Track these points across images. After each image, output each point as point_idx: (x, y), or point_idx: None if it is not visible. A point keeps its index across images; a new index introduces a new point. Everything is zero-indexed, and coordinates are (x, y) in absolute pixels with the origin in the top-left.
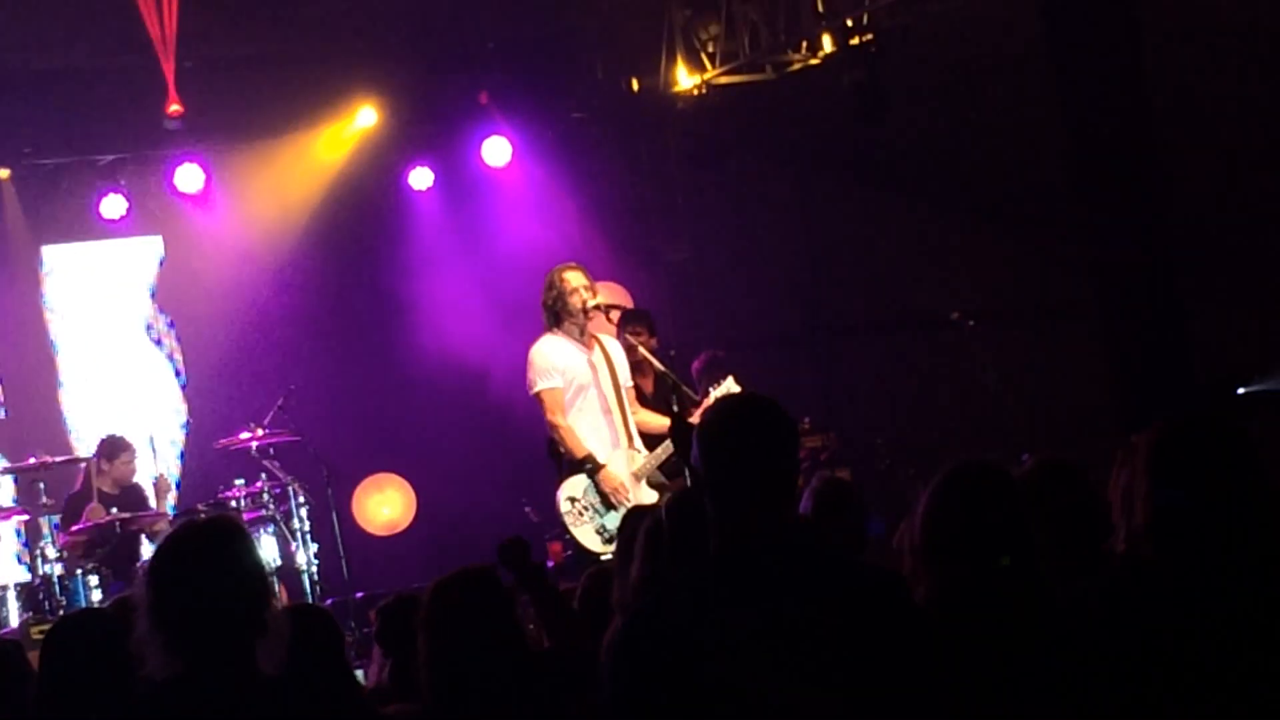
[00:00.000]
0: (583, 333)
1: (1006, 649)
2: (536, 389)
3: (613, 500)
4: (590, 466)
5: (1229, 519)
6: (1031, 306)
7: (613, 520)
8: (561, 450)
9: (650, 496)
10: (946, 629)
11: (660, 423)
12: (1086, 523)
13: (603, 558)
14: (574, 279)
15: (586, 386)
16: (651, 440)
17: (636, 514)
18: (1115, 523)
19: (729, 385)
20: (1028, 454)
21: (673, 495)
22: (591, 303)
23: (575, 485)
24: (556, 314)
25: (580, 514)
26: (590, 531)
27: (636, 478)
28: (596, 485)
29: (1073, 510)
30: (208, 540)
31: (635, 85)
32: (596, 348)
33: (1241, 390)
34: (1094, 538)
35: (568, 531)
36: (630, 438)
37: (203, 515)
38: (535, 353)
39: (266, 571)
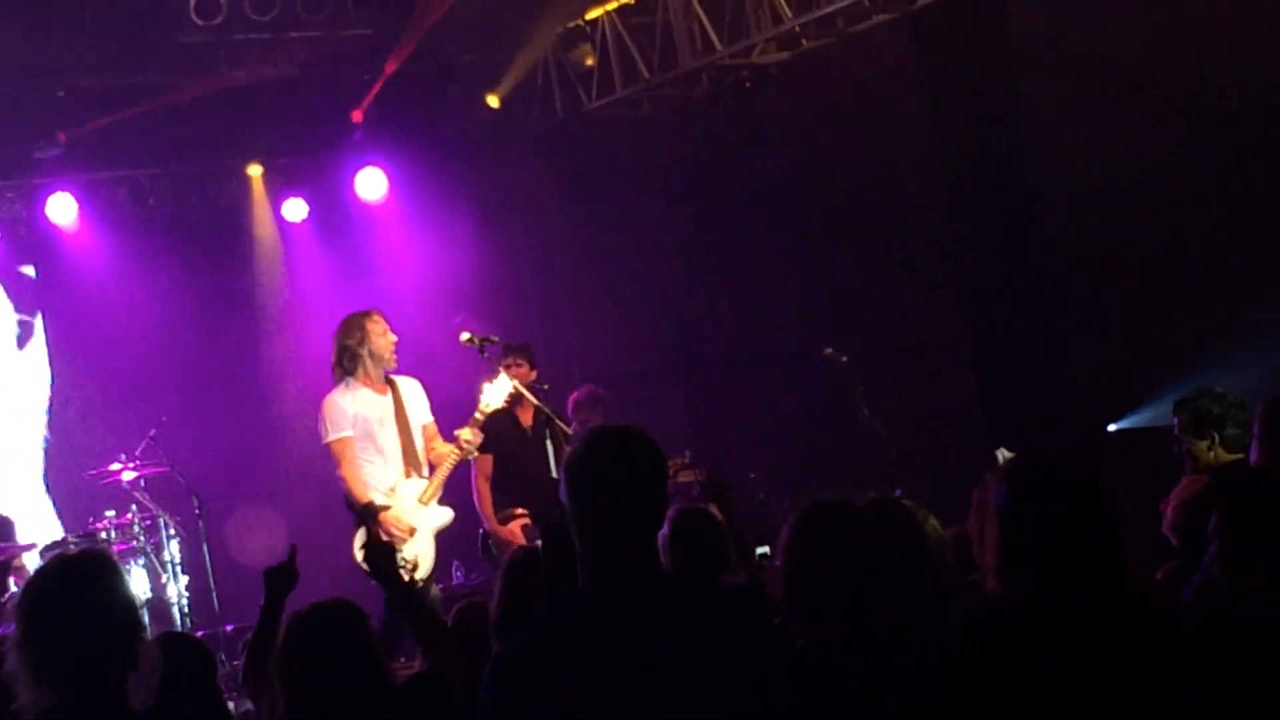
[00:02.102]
0: (377, 377)
1: (881, 685)
2: (326, 440)
3: (394, 539)
4: (371, 514)
5: (1077, 557)
6: (905, 342)
7: (410, 550)
8: (348, 500)
9: (443, 513)
10: (826, 670)
11: (444, 450)
12: (914, 562)
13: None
14: (375, 329)
15: (378, 432)
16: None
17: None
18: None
19: (501, 384)
20: (899, 490)
21: (549, 526)
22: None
23: (365, 534)
24: (355, 361)
25: None
26: None
27: (424, 501)
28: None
29: (900, 549)
30: (77, 574)
31: (495, 102)
32: (389, 391)
33: (1112, 427)
34: (921, 577)
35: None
36: (419, 467)
37: (73, 547)
38: (327, 404)
39: (137, 605)
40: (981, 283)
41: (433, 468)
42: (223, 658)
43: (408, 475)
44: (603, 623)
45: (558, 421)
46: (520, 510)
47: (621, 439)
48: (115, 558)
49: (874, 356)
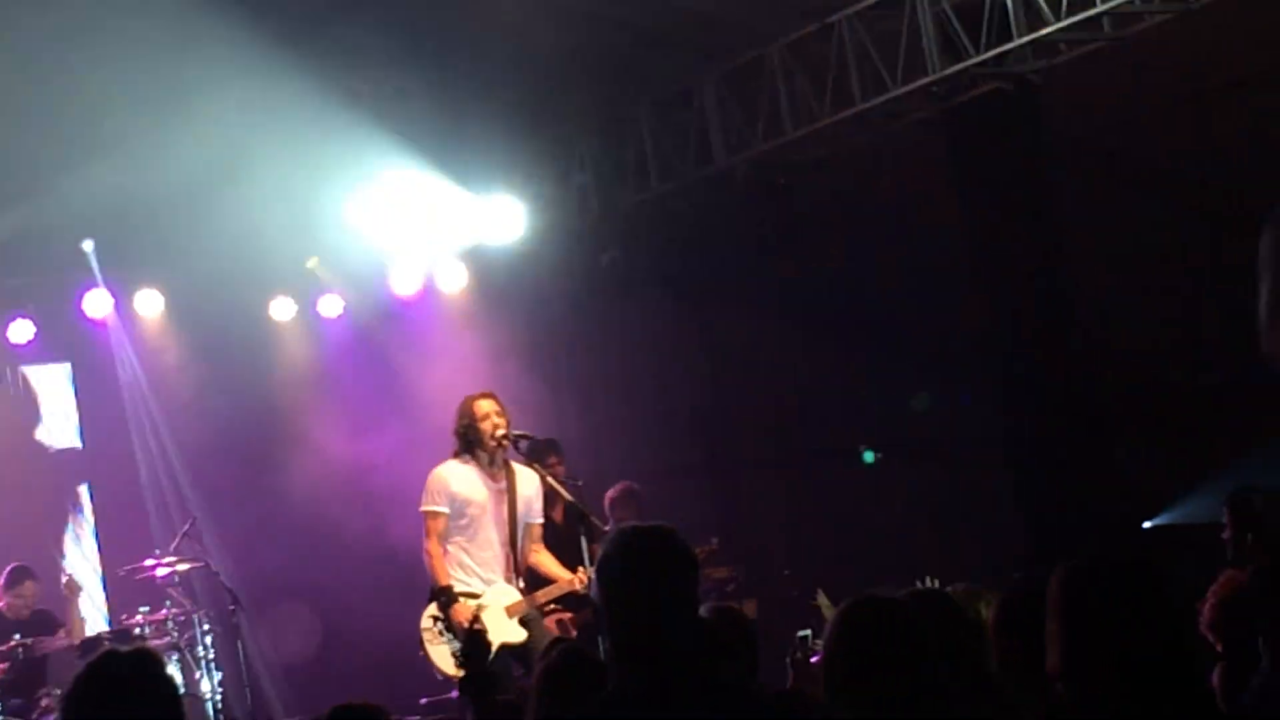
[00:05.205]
0: (493, 461)
1: None
2: (421, 508)
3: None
4: (445, 599)
5: (1140, 658)
6: (940, 439)
7: None
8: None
9: (518, 633)
10: None
11: (554, 570)
12: (960, 655)
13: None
14: (484, 406)
15: (481, 516)
16: (536, 582)
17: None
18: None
19: None
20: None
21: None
22: (499, 432)
23: (434, 609)
24: (468, 441)
25: (440, 634)
26: (446, 653)
27: (509, 613)
28: (448, 613)
29: (945, 643)
30: (123, 673)
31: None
32: (504, 479)
33: (1147, 525)
34: (976, 669)
35: (422, 648)
36: (515, 573)
37: (107, 643)
38: (433, 475)
39: (181, 704)
40: (1016, 379)
41: (532, 571)
42: None
43: (506, 575)
44: None
45: (591, 518)
46: (553, 606)
47: (652, 539)
48: (160, 655)
49: (910, 454)
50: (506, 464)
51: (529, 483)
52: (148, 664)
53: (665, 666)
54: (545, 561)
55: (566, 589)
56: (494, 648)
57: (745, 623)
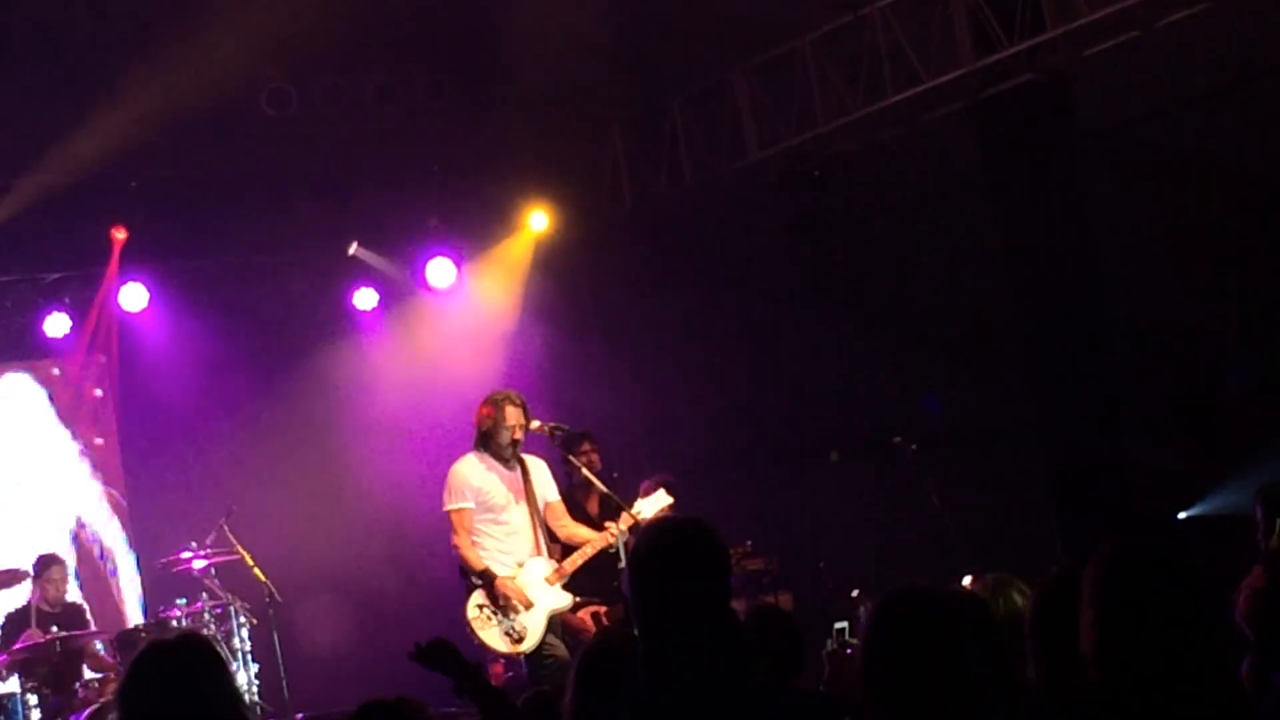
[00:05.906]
0: (509, 455)
1: None
2: (446, 508)
3: (509, 606)
4: (487, 579)
5: (1176, 648)
6: (972, 430)
7: (521, 621)
8: (463, 567)
9: (563, 597)
10: None
11: (586, 535)
12: (999, 652)
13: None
14: (511, 415)
15: (506, 505)
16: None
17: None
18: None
19: (659, 498)
20: (970, 576)
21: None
22: (534, 425)
23: (479, 597)
24: (486, 436)
25: (489, 618)
26: (498, 634)
27: (550, 582)
28: (494, 593)
29: (983, 638)
30: (179, 661)
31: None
32: (519, 468)
33: (1182, 515)
34: (1001, 668)
35: (476, 637)
36: (544, 553)
37: (143, 635)
38: (453, 472)
39: (239, 693)
40: (1048, 371)
41: (563, 544)
42: None
43: (537, 552)
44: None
45: (627, 510)
46: (578, 599)
47: (684, 532)
48: (213, 643)
49: (943, 445)
50: (518, 456)
51: (539, 466)
52: (197, 651)
53: (694, 664)
54: (579, 532)
55: (599, 547)
56: (544, 616)
57: (786, 621)
